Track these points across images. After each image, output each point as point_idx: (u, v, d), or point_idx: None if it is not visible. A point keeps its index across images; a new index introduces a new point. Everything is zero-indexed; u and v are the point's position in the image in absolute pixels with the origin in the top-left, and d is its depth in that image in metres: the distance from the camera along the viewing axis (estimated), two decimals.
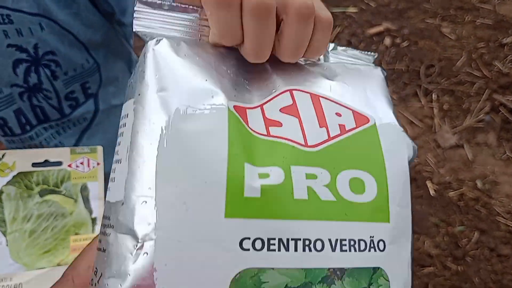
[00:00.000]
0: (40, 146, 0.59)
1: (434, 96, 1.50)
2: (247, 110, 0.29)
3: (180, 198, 0.26)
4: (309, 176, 0.29)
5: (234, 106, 0.29)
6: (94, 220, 0.53)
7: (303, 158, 0.29)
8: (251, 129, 0.29)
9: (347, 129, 0.31)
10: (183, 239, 0.25)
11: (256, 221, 0.26)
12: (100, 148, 0.55)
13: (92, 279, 0.26)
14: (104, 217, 0.28)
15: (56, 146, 0.61)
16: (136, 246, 0.25)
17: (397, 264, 0.30)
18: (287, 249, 0.27)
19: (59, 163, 0.53)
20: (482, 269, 1.15)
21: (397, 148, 0.32)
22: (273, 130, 0.29)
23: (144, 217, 0.25)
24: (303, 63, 0.33)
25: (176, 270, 0.25)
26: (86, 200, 0.53)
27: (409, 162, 0.32)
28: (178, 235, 0.25)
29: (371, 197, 0.29)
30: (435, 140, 1.40)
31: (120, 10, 0.55)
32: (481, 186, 1.30)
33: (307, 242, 0.27)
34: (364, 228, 0.29)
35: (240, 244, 0.26)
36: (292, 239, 0.27)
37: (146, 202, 0.25)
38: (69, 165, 0.53)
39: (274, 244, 0.27)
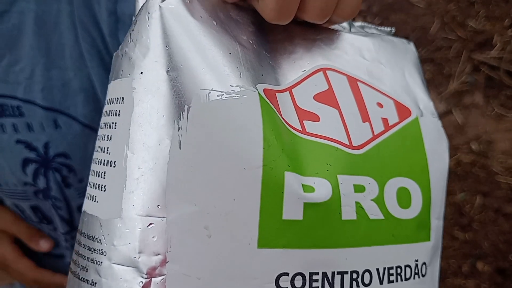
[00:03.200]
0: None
1: None
2: (276, 94, 0.22)
3: (200, 221, 0.19)
4: (358, 189, 0.22)
5: (264, 90, 0.21)
6: None
7: (350, 164, 0.22)
8: (287, 123, 0.22)
9: (390, 124, 0.24)
10: (204, 276, 0.19)
11: (297, 252, 0.21)
12: None
13: None
14: (85, 235, 0.21)
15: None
16: (142, 283, 0.19)
17: (431, 287, 0.25)
18: (332, 286, 0.21)
19: None
20: (490, 232, 1.15)
21: (439, 148, 0.26)
22: (310, 126, 0.22)
23: (152, 245, 0.19)
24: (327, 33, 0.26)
25: None
26: None
27: None
28: (197, 270, 0.19)
29: (416, 212, 0.24)
30: None
31: None
32: (476, 148, 1.29)
33: (354, 276, 0.22)
34: (408, 251, 0.24)
35: (277, 282, 0.20)
36: (338, 273, 0.21)
37: (153, 224, 0.19)
38: None
39: (317, 281, 0.21)
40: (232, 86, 0.20)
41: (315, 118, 0.23)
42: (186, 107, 0.19)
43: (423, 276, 0.24)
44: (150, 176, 0.19)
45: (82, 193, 0.45)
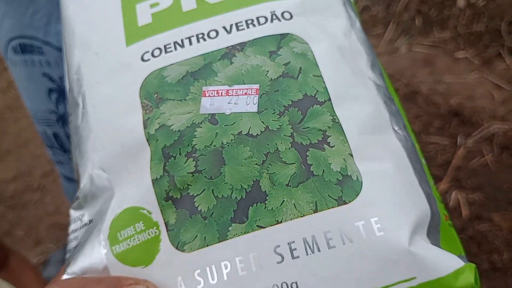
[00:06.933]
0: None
1: None
2: None
3: (92, 49, 0.30)
4: None
5: None
6: None
7: None
8: None
9: None
10: (100, 80, 0.29)
11: (152, 38, 0.29)
12: None
13: None
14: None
15: None
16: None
17: (317, 30, 0.29)
18: (182, 46, 0.28)
19: None
20: None
21: None
22: None
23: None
24: None
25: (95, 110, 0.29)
26: None
27: None
28: (95, 78, 0.29)
29: None
30: None
31: None
32: None
33: (200, 35, 0.28)
34: (262, 8, 0.29)
35: (142, 58, 0.28)
36: (186, 38, 0.28)
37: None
38: None
39: (170, 47, 0.28)
40: None
41: None
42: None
43: (286, 19, 0.29)
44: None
45: None
